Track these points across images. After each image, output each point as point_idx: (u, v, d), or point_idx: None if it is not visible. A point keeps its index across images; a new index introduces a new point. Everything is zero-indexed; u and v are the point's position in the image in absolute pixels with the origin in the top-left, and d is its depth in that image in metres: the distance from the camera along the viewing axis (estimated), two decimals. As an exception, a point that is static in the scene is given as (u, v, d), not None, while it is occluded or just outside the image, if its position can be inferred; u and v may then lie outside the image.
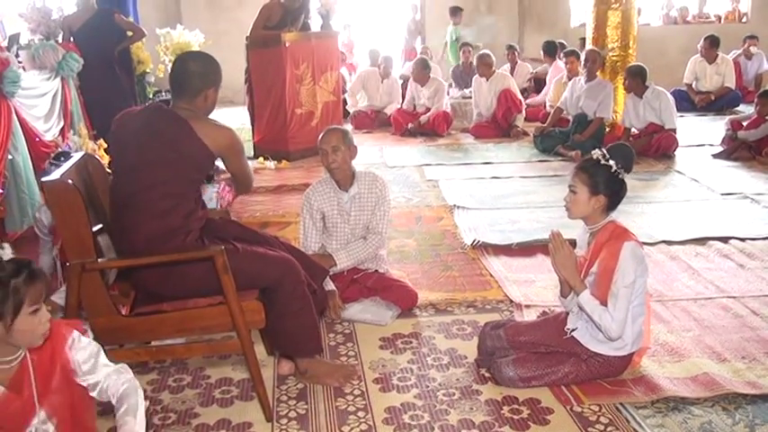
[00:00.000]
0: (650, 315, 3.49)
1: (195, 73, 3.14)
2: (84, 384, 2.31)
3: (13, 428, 2.15)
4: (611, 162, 3.09)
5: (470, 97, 10.11)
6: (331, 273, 3.90)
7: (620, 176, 3.12)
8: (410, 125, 9.67)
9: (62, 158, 5.56)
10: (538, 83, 11.46)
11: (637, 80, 8.00)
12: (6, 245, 2.15)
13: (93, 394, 2.34)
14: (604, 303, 3.06)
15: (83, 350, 2.31)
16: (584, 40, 10.80)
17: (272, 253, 3.19)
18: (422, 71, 9.83)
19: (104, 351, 2.43)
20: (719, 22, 14.87)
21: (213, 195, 3.50)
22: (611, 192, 3.11)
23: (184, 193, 3.07)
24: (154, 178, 3.01)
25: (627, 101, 8.26)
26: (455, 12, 12.99)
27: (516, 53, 11.77)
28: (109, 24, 7.80)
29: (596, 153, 3.15)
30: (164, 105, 3.24)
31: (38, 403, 2.20)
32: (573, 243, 3.41)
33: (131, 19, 8.82)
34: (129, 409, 2.29)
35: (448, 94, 10.37)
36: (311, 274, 3.42)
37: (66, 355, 2.28)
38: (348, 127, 9.81)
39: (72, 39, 7.58)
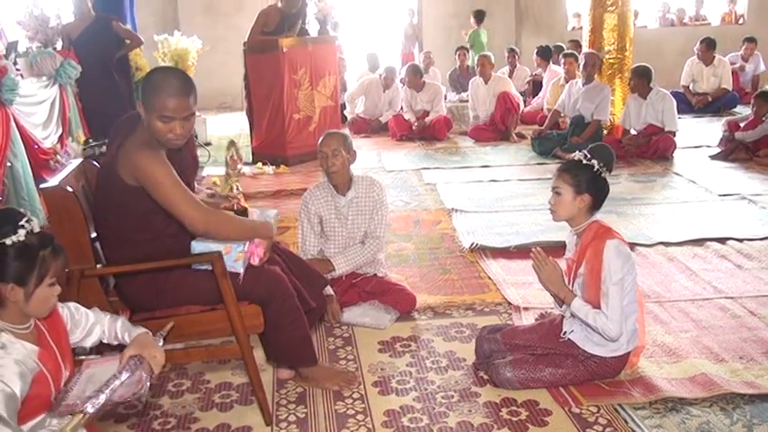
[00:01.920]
0: (645, 314, 3.51)
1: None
2: (84, 341, 2.50)
3: (56, 386, 2.26)
4: (594, 161, 3.12)
5: (468, 101, 10.12)
6: (329, 278, 3.91)
7: (603, 175, 3.15)
8: (414, 125, 9.69)
9: (90, 141, 5.49)
10: (536, 86, 11.48)
11: (642, 80, 8.01)
12: (35, 218, 2.23)
13: (93, 341, 2.53)
14: (595, 304, 3.08)
15: (69, 312, 2.48)
16: (575, 42, 10.86)
17: (261, 267, 3.12)
18: (414, 77, 9.86)
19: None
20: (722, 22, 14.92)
21: (238, 255, 2.96)
22: (595, 190, 3.14)
23: (135, 227, 2.95)
24: (103, 209, 2.99)
25: (628, 101, 8.27)
26: (479, 16, 13.10)
27: (516, 56, 11.81)
28: (107, 32, 7.83)
29: (577, 154, 3.18)
30: (132, 119, 3.03)
31: (62, 362, 2.33)
32: (563, 245, 3.44)
33: (129, 26, 8.84)
34: (124, 323, 2.55)
35: (445, 98, 10.39)
36: (311, 284, 3.43)
37: (63, 320, 2.43)
38: (345, 132, 9.83)
39: (72, 47, 7.60)
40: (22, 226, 2.16)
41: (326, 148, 3.98)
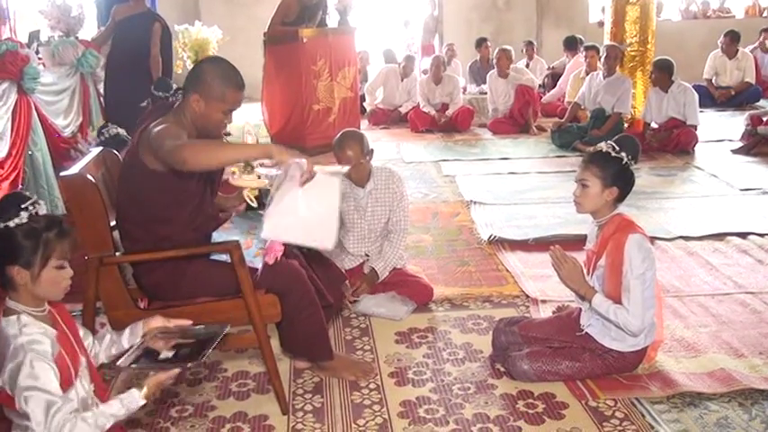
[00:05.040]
0: (665, 309, 3.49)
1: (194, 71, 2.98)
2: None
3: (75, 371, 2.27)
4: (623, 154, 3.08)
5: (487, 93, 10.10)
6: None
7: (630, 168, 3.11)
8: (440, 120, 9.67)
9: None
10: (555, 78, 11.43)
11: (664, 74, 7.94)
12: (42, 201, 2.26)
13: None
14: (615, 297, 3.05)
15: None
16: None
17: (280, 261, 3.07)
18: (439, 70, 9.85)
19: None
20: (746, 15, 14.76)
21: (258, 251, 2.95)
22: (623, 183, 3.10)
23: (157, 218, 2.96)
24: (127, 199, 3.00)
25: (650, 95, 8.19)
26: None
27: (534, 49, 11.77)
28: (145, 29, 7.69)
29: (604, 146, 3.14)
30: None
31: (78, 348, 2.34)
32: (584, 238, 3.42)
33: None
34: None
35: (464, 90, 10.36)
36: (329, 279, 3.44)
37: (67, 311, 2.44)
38: (364, 123, 9.83)
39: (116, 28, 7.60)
40: (25, 208, 2.18)
41: (347, 162, 3.90)
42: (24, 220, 2.17)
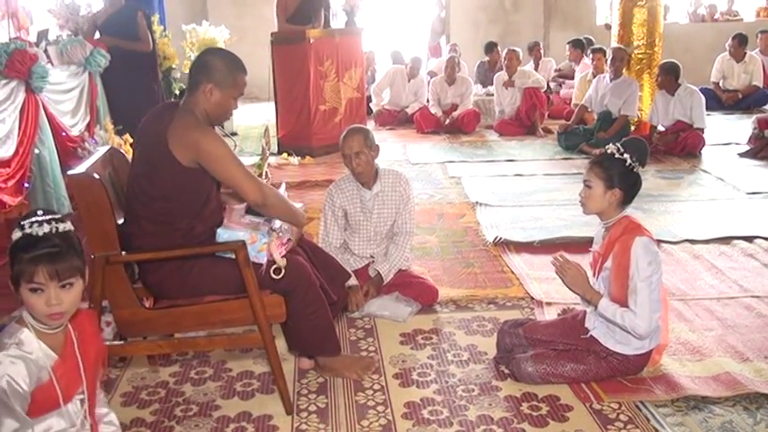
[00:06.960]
0: (671, 313, 3.48)
1: (200, 63, 3.04)
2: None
3: (65, 397, 2.18)
4: (626, 156, 3.08)
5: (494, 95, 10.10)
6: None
7: (635, 170, 3.11)
8: (446, 122, 9.68)
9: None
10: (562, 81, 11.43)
11: (670, 77, 7.94)
12: (68, 222, 2.16)
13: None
14: (620, 299, 3.05)
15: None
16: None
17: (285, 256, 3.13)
18: (453, 71, 9.88)
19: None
20: (758, 16, 14.70)
21: (263, 246, 2.96)
22: (626, 186, 3.10)
23: (170, 213, 2.99)
24: (140, 195, 3.00)
25: (656, 98, 8.19)
26: None
27: (540, 50, 11.77)
28: (130, 22, 7.68)
29: (611, 147, 3.14)
30: (169, 105, 3.13)
31: (83, 375, 2.24)
32: (589, 241, 3.41)
33: (157, 16, 8.83)
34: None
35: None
36: (332, 277, 3.44)
37: (104, 342, 2.37)
38: (371, 124, 9.84)
39: (97, 32, 7.59)
40: (21, 226, 2.09)
41: (349, 150, 3.96)
42: (18, 236, 2.08)
